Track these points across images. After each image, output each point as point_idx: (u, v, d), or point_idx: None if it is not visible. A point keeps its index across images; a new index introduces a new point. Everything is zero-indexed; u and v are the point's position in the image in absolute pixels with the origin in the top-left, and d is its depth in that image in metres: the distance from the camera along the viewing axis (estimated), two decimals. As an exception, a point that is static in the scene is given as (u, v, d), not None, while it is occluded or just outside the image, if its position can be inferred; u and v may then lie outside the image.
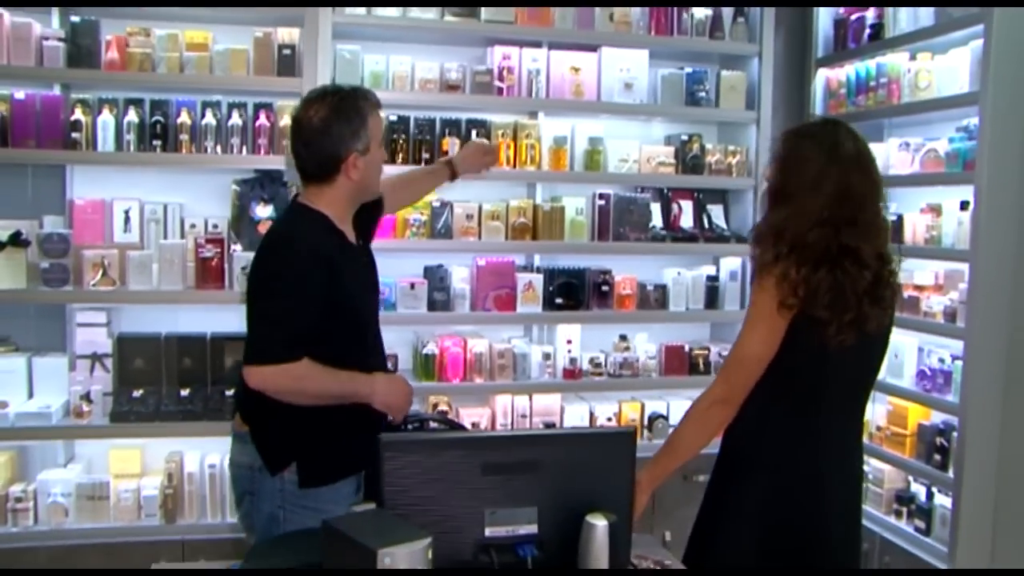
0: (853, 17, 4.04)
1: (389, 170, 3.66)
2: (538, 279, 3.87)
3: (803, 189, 2.14)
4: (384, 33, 3.77)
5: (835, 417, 2.24)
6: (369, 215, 2.73)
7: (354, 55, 3.69)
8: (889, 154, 3.80)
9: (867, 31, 3.95)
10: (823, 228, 2.10)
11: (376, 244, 3.63)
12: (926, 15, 3.62)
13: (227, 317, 3.48)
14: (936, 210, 3.58)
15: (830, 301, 2.08)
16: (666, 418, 4.03)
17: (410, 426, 3.52)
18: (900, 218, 3.70)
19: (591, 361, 3.96)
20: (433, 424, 3.54)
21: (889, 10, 3.82)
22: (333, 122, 2.35)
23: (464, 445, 2.05)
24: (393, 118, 3.72)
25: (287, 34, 3.59)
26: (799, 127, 2.40)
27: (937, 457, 3.47)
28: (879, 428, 3.82)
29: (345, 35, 3.69)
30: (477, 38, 3.87)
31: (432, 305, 3.78)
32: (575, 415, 3.97)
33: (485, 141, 3.69)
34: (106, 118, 3.48)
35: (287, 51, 3.58)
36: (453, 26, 3.73)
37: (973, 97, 3.26)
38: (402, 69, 3.74)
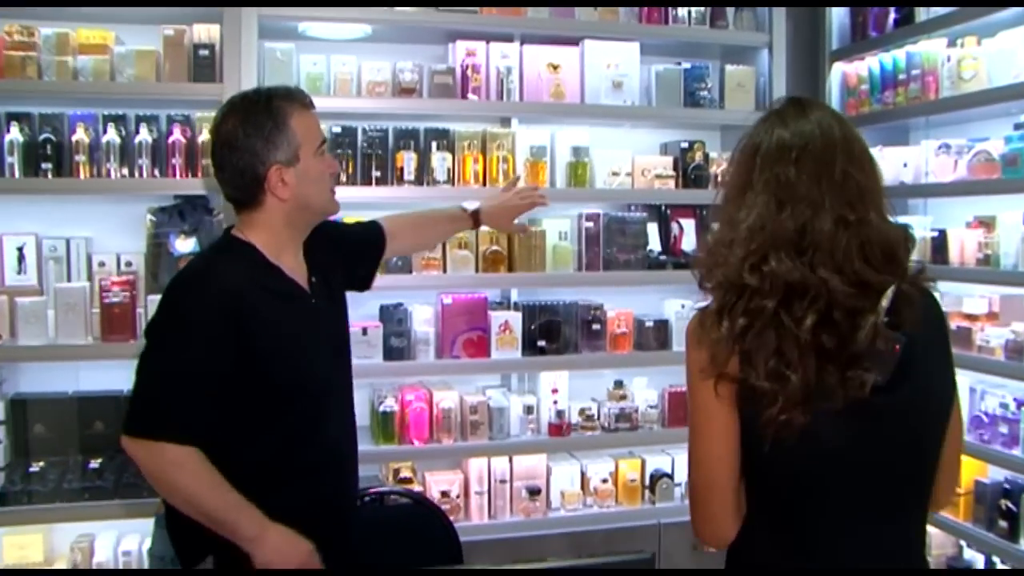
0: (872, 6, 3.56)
1: (341, 193, 3.18)
2: (516, 318, 3.33)
3: (732, 193, 1.60)
4: (322, 29, 3.23)
5: (837, 529, 1.55)
6: (364, 253, 2.52)
7: (286, 55, 3.16)
8: (926, 159, 3.30)
9: (892, 16, 3.46)
10: (754, 251, 1.51)
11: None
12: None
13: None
14: (988, 224, 3.08)
15: (771, 367, 1.47)
16: (671, 477, 3.51)
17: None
18: (943, 234, 3.22)
19: (581, 413, 3.43)
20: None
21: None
22: (241, 132, 2.04)
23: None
24: (336, 129, 3.19)
25: (204, 32, 3.07)
26: None
27: (1003, 524, 2.96)
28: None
29: (275, 32, 3.16)
30: (436, 32, 3.35)
31: (389, 353, 3.25)
32: (564, 476, 3.44)
33: (522, 183, 3.15)
34: (-19, 137, 2.93)
35: (205, 52, 3.05)
36: (407, 18, 3.19)
37: (1036, 88, 2.76)
38: (345, 70, 3.22)
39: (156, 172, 3.06)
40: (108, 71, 3.01)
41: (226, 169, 2.07)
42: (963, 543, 3.23)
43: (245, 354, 1.98)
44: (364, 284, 2.59)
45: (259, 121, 2.02)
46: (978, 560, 3.17)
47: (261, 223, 2.09)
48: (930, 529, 3.25)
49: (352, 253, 2.45)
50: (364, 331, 3.21)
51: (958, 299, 3.22)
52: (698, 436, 1.57)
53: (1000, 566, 3.04)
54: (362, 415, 3.36)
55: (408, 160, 3.21)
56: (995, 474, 3.07)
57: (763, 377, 1.47)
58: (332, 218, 2.38)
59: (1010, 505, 2.94)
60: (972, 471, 3.12)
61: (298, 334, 2.09)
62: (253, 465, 2.02)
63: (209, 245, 2.36)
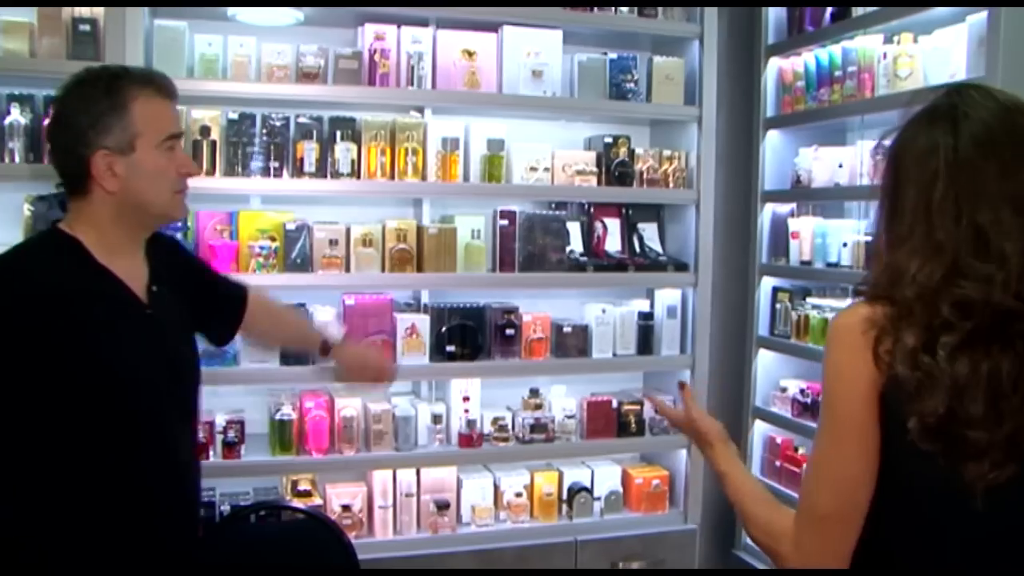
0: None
1: (237, 184, 2.99)
2: (424, 321, 3.16)
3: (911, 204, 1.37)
4: (216, 10, 3.02)
5: None
6: (221, 310, 2.27)
7: (177, 33, 2.94)
8: (861, 159, 3.18)
9: (829, 11, 3.34)
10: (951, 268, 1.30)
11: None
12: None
13: None
14: (921, 230, 2.96)
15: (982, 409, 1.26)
16: (590, 491, 3.36)
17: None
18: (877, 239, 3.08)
19: (494, 423, 3.27)
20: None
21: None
22: (70, 105, 1.84)
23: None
24: (233, 116, 2.99)
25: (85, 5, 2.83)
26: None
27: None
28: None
29: (165, 9, 2.95)
30: (343, 15, 3.14)
31: (287, 357, 3.04)
32: (476, 490, 3.28)
33: (374, 354, 2.70)
34: None
35: (85, 27, 2.83)
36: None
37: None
38: (243, 52, 3.01)
39: (30, 156, 2.83)
40: (-30, 45, 2.78)
41: (54, 147, 1.88)
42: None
43: (53, 366, 1.74)
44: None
45: (93, 98, 1.81)
46: None
47: (88, 216, 1.86)
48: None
49: (207, 302, 2.19)
50: (259, 333, 3.01)
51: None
52: (836, 453, 1.36)
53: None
54: (259, 423, 3.20)
55: (309, 150, 3.02)
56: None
57: (973, 421, 1.26)
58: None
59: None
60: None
61: (121, 346, 1.84)
62: (56, 502, 1.78)
63: (26, 240, 2.10)
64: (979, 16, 2.71)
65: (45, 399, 1.75)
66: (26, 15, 2.82)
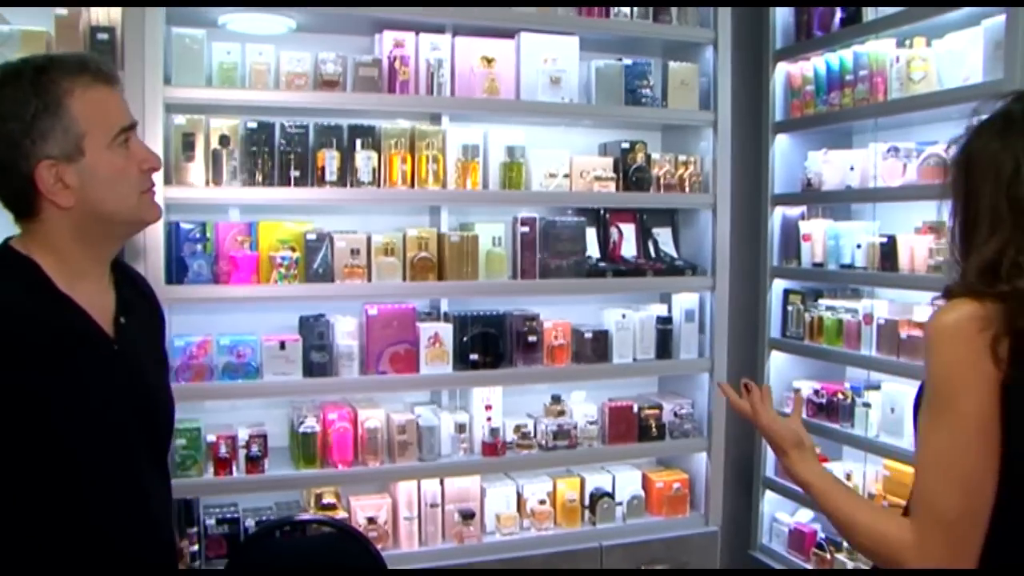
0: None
1: (256, 195, 2.94)
2: (447, 329, 3.15)
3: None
4: (236, 14, 2.98)
5: None
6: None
7: (197, 42, 2.91)
8: (874, 162, 3.24)
9: (838, 16, 3.39)
10: None
11: (235, 292, 2.92)
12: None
13: None
14: (938, 230, 3.03)
15: None
16: (612, 496, 3.37)
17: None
18: (892, 240, 3.15)
19: (517, 430, 3.27)
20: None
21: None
22: None
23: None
24: (252, 125, 2.96)
25: (103, 14, 2.79)
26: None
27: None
28: (871, 495, 3.24)
29: (182, 16, 2.91)
30: (361, 21, 3.13)
31: (310, 369, 3.02)
32: (500, 499, 3.28)
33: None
34: None
35: (103, 35, 2.78)
36: (329, 5, 2.96)
37: (995, 88, 2.69)
38: (262, 60, 2.98)
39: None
40: (-14, 55, 2.72)
41: None
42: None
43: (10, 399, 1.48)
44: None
45: (20, 100, 1.52)
46: None
47: (43, 239, 1.59)
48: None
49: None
50: (282, 345, 2.98)
51: (908, 307, 3.16)
52: (962, 451, 1.36)
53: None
54: (281, 436, 3.17)
55: (330, 159, 2.99)
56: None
57: None
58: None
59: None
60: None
61: (86, 394, 1.57)
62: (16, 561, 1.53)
63: None
64: (996, 20, 2.77)
65: None
66: (44, 23, 2.77)
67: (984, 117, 1.52)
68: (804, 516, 3.65)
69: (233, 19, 3.01)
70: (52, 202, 1.55)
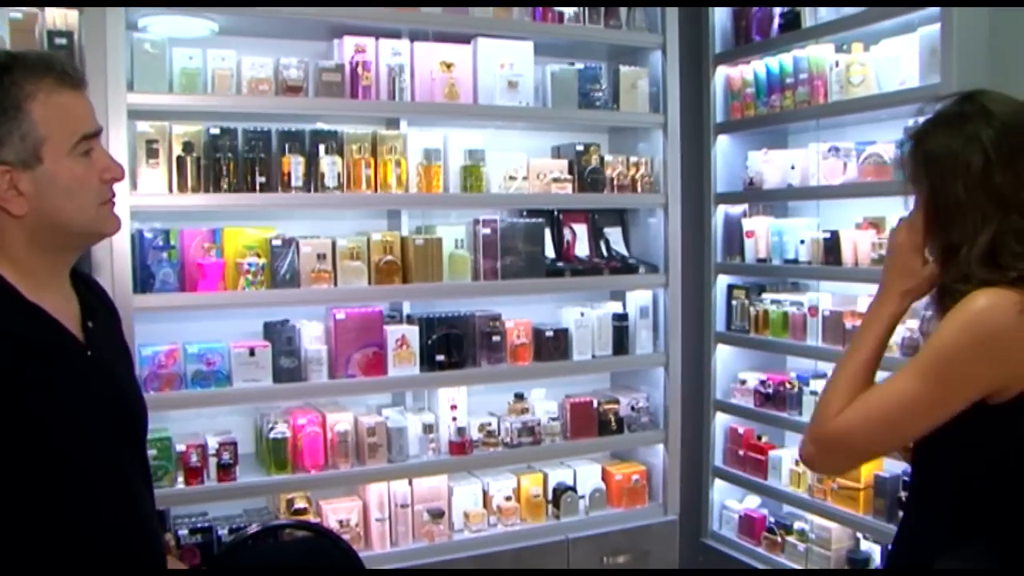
0: (755, 8, 3.65)
1: (221, 200, 2.93)
2: (413, 332, 3.20)
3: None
4: (196, 20, 2.96)
5: None
6: None
7: (158, 48, 2.89)
8: (816, 162, 3.42)
9: (776, 22, 3.57)
10: None
11: (201, 299, 2.91)
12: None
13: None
14: (878, 225, 3.23)
15: None
16: (574, 490, 3.47)
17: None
18: (835, 235, 3.33)
19: (482, 429, 3.33)
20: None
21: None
22: None
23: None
24: (215, 131, 2.94)
25: (60, 16, 2.74)
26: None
27: (901, 515, 3.08)
28: (820, 481, 3.42)
29: (143, 20, 2.88)
30: (319, 27, 3.14)
31: (279, 375, 3.03)
32: (467, 497, 3.35)
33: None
34: None
35: (61, 40, 2.73)
36: (290, 12, 2.97)
37: (933, 92, 2.88)
38: (225, 66, 2.97)
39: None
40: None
41: None
42: (860, 535, 3.37)
43: None
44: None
45: None
46: (875, 551, 3.31)
47: (3, 246, 1.58)
48: (828, 524, 3.41)
49: None
50: (251, 352, 2.98)
51: (851, 299, 3.34)
52: (934, 406, 1.50)
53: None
54: (247, 442, 3.16)
55: (296, 164, 3.00)
56: (892, 467, 3.20)
57: None
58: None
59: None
60: (871, 466, 3.24)
61: (66, 400, 1.58)
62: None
63: None
64: (931, 28, 2.97)
65: None
66: (-2, 28, 2.71)
67: (930, 116, 1.62)
68: (752, 502, 3.83)
69: (153, 21, 2.93)
70: (4, 209, 1.53)
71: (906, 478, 3.11)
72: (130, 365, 1.90)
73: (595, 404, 3.51)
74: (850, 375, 1.60)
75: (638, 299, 3.59)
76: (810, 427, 1.61)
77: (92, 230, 1.66)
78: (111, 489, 1.65)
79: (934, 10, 2.91)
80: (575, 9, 3.40)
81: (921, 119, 1.63)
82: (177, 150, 2.90)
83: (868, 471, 3.25)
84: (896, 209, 3.05)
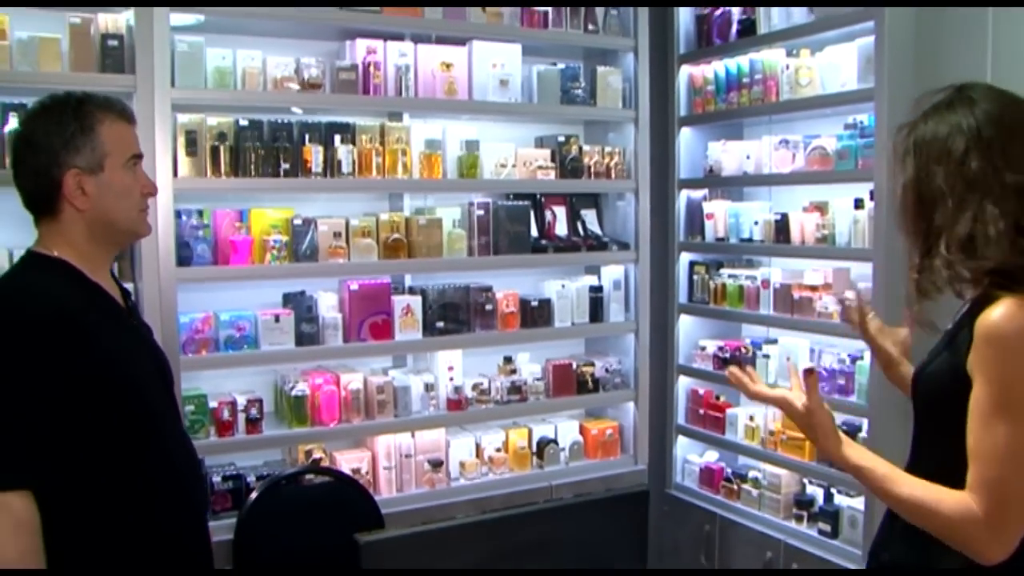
0: (716, 13, 4.14)
1: (249, 184, 3.28)
2: (416, 301, 3.65)
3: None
4: (228, 23, 3.37)
5: None
6: None
7: (195, 48, 3.28)
8: (769, 152, 3.93)
9: (735, 27, 4.06)
10: None
11: (233, 272, 3.33)
12: (799, 13, 3.76)
13: None
14: (822, 208, 3.73)
15: None
16: (556, 442, 3.95)
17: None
18: (784, 217, 3.84)
19: (476, 388, 3.79)
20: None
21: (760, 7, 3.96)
22: (40, 128, 2.01)
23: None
24: (244, 122, 3.36)
25: (111, 21, 3.13)
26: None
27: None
28: (772, 433, 3.93)
29: (183, 24, 3.28)
30: (332, 29, 3.57)
31: (300, 339, 3.46)
32: (462, 449, 3.81)
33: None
34: None
35: (113, 42, 3.11)
36: (309, 15, 3.38)
37: (868, 93, 3.41)
38: (253, 65, 3.38)
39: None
40: (7, 59, 2.97)
41: (23, 169, 2.01)
42: (806, 480, 3.89)
43: (79, 381, 1.90)
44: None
45: (64, 121, 1.98)
46: (818, 494, 3.82)
47: (62, 236, 2.02)
48: (778, 470, 3.91)
49: None
50: (276, 319, 3.41)
51: (798, 273, 3.86)
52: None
53: (838, 497, 3.69)
54: (267, 400, 3.58)
55: (315, 152, 3.42)
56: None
57: None
58: None
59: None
60: (814, 419, 3.75)
61: (130, 357, 2.06)
62: (93, 499, 1.95)
63: (12, 268, 2.13)
64: (866, 40, 3.46)
65: (73, 412, 1.89)
66: (57, 30, 3.08)
67: (927, 107, 1.77)
68: (711, 456, 4.34)
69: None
70: (72, 204, 1.99)
71: (844, 427, 3.64)
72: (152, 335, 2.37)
73: (574, 366, 4.00)
74: (904, 481, 1.71)
75: (611, 273, 4.09)
76: (971, 536, 1.61)
77: (132, 229, 2.14)
78: (161, 434, 2.13)
79: (869, 24, 3.42)
80: (558, 10, 3.86)
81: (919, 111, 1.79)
82: (211, 140, 3.30)
83: (812, 422, 3.76)
84: (837, 194, 3.59)
